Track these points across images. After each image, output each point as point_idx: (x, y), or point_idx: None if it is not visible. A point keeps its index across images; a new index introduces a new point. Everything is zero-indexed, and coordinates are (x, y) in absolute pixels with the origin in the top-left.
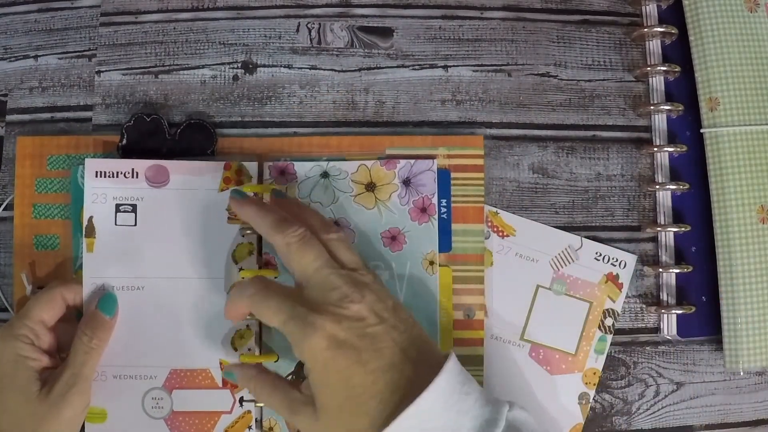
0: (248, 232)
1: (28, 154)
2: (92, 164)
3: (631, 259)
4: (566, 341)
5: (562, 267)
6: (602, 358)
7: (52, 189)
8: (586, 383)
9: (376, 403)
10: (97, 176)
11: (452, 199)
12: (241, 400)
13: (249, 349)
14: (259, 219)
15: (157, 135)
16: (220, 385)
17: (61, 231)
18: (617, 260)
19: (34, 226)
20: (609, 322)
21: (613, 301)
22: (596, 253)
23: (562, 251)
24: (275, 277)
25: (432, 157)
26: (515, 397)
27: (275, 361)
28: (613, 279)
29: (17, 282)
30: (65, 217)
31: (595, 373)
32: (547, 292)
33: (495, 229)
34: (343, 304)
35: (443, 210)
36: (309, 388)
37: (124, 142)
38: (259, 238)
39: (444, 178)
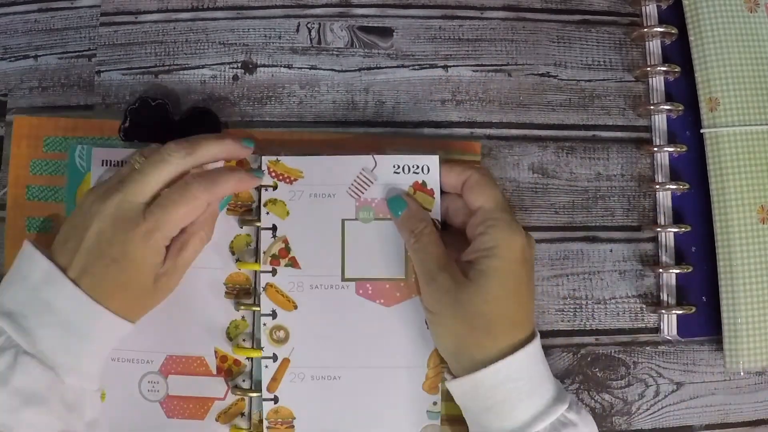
0: (246, 222)
1: (24, 135)
2: (99, 153)
3: (433, 161)
4: (392, 267)
5: (362, 192)
6: None
7: (47, 171)
8: None
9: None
10: (103, 164)
11: None
12: (235, 387)
13: (243, 340)
14: None
15: (161, 120)
16: (215, 372)
17: (54, 214)
18: (418, 166)
19: (27, 207)
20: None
21: (429, 211)
22: (394, 167)
23: (358, 176)
24: (271, 274)
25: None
26: (355, 341)
27: (275, 362)
28: (420, 187)
29: (8, 264)
30: (59, 199)
31: None
32: (354, 223)
33: (280, 178)
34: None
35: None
36: (475, 264)
37: (127, 124)
38: (257, 230)
39: None
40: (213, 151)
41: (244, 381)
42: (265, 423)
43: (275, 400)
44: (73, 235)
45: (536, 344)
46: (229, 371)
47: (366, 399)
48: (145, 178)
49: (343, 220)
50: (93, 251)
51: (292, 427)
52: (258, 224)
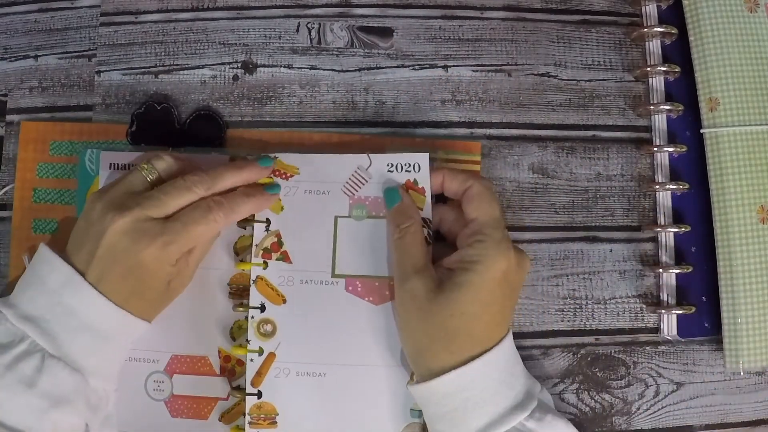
0: (246, 222)
1: (31, 139)
2: (107, 157)
3: (423, 158)
4: (382, 266)
5: (356, 190)
6: None
7: (53, 174)
8: None
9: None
10: (111, 168)
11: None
12: (235, 389)
13: (247, 340)
14: None
15: (166, 124)
16: (218, 372)
17: (60, 216)
18: (410, 164)
19: (33, 210)
20: (423, 232)
21: (421, 210)
22: (388, 165)
23: (353, 175)
24: (264, 269)
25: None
26: (342, 338)
27: (260, 355)
28: (412, 186)
29: (14, 264)
30: (65, 202)
31: None
32: (347, 220)
33: (277, 173)
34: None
35: None
36: (453, 275)
37: (134, 128)
38: (253, 228)
39: None
40: (232, 181)
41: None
42: (247, 418)
43: (259, 395)
44: (87, 241)
45: (496, 352)
46: (232, 371)
47: (350, 397)
48: (167, 199)
49: (336, 217)
50: (108, 260)
51: (275, 423)
52: (255, 222)
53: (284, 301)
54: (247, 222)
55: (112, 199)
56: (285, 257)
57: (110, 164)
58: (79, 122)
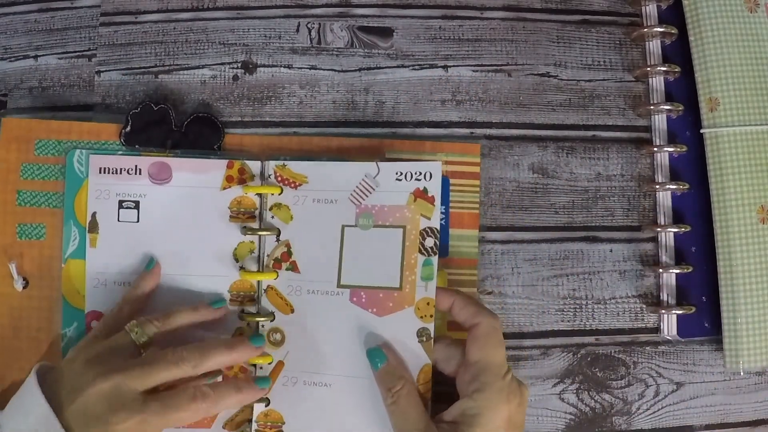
0: (249, 231)
1: (14, 138)
2: (96, 160)
3: (435, 167)
4: (387, 276)
5: (363, 199)
6: (432, 286)
7: (39, 176)
8: (422, 317)
9: None
10: (101, 172)
11: (449, 205)
12: None
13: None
14: None
15: (163, 125)
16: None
17: (48, 220)
18: (421, 173)
19: (18, 213)
20: (430, 242)
21: (429, 219)
22: (397, 173)
23: (360, 183)
24: (275, 279)
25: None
26: (347, 349)
27: (269, 363)
28: (421, 194)
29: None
30: (53, 205)
31: (428, 304)
32: (353, 229)
33: (286, 182)
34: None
35: (442, 216)
36: (456, 427)
37: (128, 129)
38: (260, 238)
39: (444, 185)
40: (222, 360)
41: None
42: (254, 426)
43: (267, 402)
44: (68, 390)
45: None
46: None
47: (355, 409)
48: (152, 371)
49: (342, 226)
50: (82, 418)
51: (281, 431)
52: (260, 233)
53: (292, 311)
54: (247, 230)
55: (97, 355)
56: (294, 267)
57: (100, 168)
58: (68, 120)
